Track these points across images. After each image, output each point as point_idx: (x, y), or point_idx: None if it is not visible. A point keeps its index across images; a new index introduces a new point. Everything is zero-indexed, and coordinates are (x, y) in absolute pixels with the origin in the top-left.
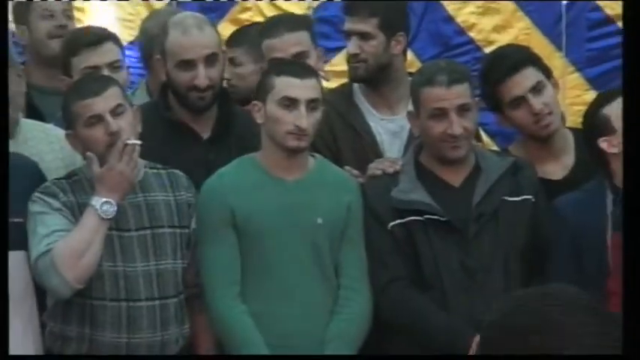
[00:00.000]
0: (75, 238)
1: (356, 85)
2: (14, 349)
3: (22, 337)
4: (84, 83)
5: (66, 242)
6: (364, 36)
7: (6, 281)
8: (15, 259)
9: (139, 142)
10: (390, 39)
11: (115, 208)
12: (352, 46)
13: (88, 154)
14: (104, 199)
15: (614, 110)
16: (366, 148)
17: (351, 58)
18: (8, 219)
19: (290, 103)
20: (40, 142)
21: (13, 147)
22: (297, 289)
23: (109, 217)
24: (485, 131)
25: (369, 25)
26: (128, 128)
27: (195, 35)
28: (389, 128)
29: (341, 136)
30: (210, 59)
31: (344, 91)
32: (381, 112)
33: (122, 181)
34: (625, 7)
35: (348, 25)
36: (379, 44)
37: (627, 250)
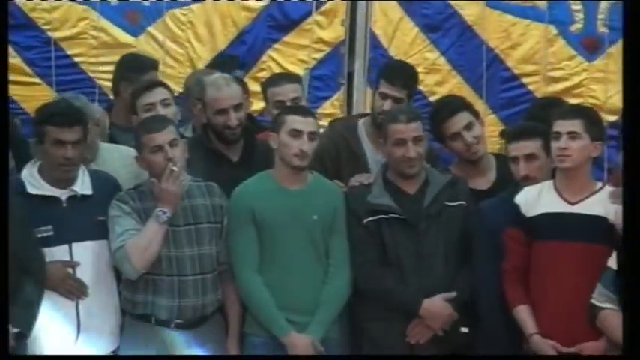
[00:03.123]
0: (141, 237)
1: (360, 122)
2: (97, 313)
3: (106, 301)
4: (150, 122)
5: (135, 240)
6: (397, 100)
7: (6, 281)
8: (101, 245)
9: (178, 169)
10: (409, 102)
11: (168, 215)
12: (387, 105)
13: (153, 180)
14: (160, 209)
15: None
16: (360, 166)
17: (383, 113)
18: (8, 219)
19: (296, 134)
20: (115, 161)
21: (95, 167)
22: (298, 266)
23: (164, 222)
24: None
25: (403, 94)
26: (180, 156)
27: (225, 91)
28: (377, 158)
29: (344, 155)
30: (238, 106)
31: (351, 125)
32: (373, 145)
33: (171, 196)
34: (625, 8)
35: (388, 90)
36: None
37: (627, 250)
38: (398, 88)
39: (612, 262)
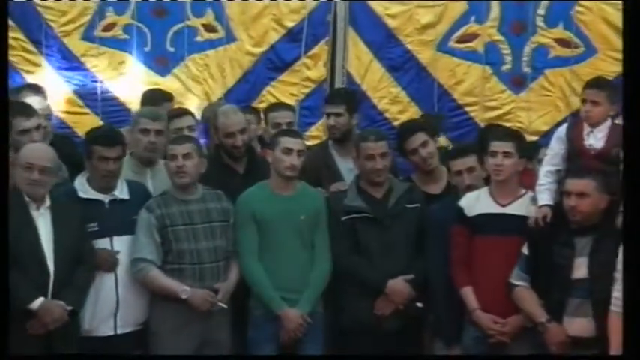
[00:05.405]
0: (159, 284)
1: (330, 142)
2: (132, 289)
3: (141, 286)
4: (175, 138)
5: (156, 280)
6: (338, 115)
7: (7, 280)
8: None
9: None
10: (351, 117)
11: (188, 294)
12: (332, 121)
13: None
14: (184, 289)
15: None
16: (335, 177)
17: (331, 128)
18: (8, 217)
19: (288, 151)
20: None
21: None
22: (289, 255)
23: (180, 295)
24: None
25: (341, 109)
26: (191, 166)
27: (233, 118)
28: (348, 166)
29: (321, 167)
30: (243, 130)
31: (323, 145)
32: (343, 157)
33: None
34: (625, 8)
35: (329, 109)
36: (347, 120)
37: (627, 251)
38: (335, 105)
39: (525, 249)
